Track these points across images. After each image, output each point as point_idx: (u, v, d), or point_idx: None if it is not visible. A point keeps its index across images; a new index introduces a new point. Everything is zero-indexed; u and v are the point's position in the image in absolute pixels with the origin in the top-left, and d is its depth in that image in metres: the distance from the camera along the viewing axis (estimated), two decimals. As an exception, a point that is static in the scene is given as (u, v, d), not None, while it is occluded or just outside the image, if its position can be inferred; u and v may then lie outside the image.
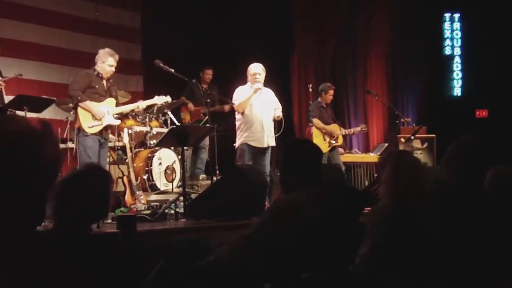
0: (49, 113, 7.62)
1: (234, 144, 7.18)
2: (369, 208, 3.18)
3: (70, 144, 7.45)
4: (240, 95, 7.14)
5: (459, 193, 3.09)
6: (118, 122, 6.81)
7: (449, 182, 3.17)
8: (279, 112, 7.27)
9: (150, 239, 4.66)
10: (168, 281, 2.63)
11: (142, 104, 7.02)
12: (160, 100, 7.15)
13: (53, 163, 1.75)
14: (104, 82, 6.65)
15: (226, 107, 8.42)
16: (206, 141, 8.48)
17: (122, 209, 6.41)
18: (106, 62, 6.59)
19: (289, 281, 2.58)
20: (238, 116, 7.18)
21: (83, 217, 2.50)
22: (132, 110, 7.24)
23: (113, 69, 6.66)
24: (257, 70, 7.18)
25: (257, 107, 7.12)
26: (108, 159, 7.17)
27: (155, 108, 8.04)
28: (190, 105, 8.98)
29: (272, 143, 7.18)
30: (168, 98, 7.17)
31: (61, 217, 2.48)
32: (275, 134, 7.24)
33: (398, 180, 3.04)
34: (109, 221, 5.23)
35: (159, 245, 4.01)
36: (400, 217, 2.93)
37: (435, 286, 2.83)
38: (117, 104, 6.83)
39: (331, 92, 9.10)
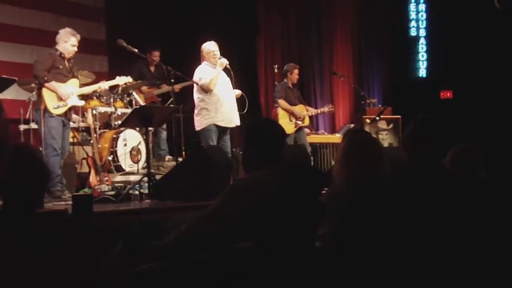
0: (10, 94, 7.48)
1: (198, 127, 7.03)
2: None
3: (33, 125, 7.33)
4: (206, 73, 6.97)
5: (417, 172, 3.10)
6: (82, 103, 6.74)
7: (408, 161, 3.18)
8: (238, 91, 7.24)
9: (113, 220, 4.62)
10: (123, 261, 2.60)
11: (104, 85, 6.93)
12: (121, 80, 7.10)
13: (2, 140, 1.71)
14: (66, 62, 6.54)
15: (177, 87, 8.18)
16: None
17: (86, 189, 6.34)
18: (69, 42, 6.48)
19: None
20: (202, 96, 6.98)
21: (20, 196, 2.44)
22: (95, 91, 7.14)
23: (75, 48, 6.55)
24: (213, 47, 7.07)
25: (222, 86, 7.04)
26: (72, 140, 7.09)
27: (120, 88, 7.95)
28: (143, 87, 8.82)
29: (238, 122, 7.14)
30: (129, 79, 7.13)
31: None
32: (247, 111, 7.21)
33: (349, 160, 3.04)
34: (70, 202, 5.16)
35: (122, 226, 3.99)
36: (354, 197, 2.93)
37: (393, 265, 2.85)
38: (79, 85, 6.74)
39: (296, 71, 9.08)
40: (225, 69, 7.06)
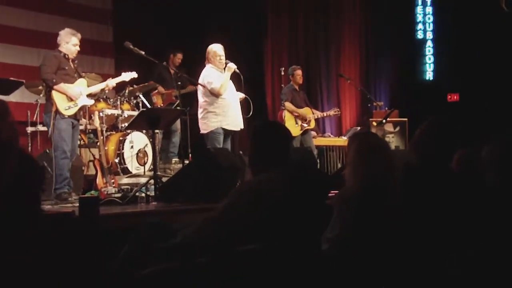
0: (18, 96, 7.51)
1: (204, 130, 7.02)
2: (336, 191, 3.17)
3: (41, 127, 7.35)
4: (215, 77, 6.97)
5: (426, 174, 3.10)
6: (92, 102, 6.72)
7: (417, 163, 3.18)
8: (241, 94, 7.25)
9: (120, 222, 4.61)
10: (130, 264, 2.60)
11: (111, 82, 6.90)
12: (127, 76, 7.05)
13: (10, 142, 1.71)
14: (71, 63, 6.55)
15: (190, 88, 8.21)
16: (178, 124, 8.42)
17: (93, 192, 6.35)
18: (70, 42, 6.48)
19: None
20: (209, 100, 6.98)
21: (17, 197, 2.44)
22: (103, 90, 7.11)
23: (77, 48, 6.55)
24: (221, 51, 7.07)
25: (229, 90, 7.06)
26: (79, 142, 7.10)
27: (127, 91, 7.99)
28: (160, 89, 8.90)
29: (242, 125, 7.16)
30: (134, 74, 7.06)
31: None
32: (244, 116, 7.21)
33: (361, 163, 3.03)
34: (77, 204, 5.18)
35: (128, 228, 3.99)
36: (366, 200, 2.93)
37: (402, 268, 2.84)
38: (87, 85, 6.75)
39: (299, 72, 9.09)
40: (234, 74, 7.07)
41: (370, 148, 3.09)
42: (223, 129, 6.97)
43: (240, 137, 7.53)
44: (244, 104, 7.28)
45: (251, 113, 7.18)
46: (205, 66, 7.12)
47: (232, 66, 6.97)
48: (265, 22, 11.59)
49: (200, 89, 7.08)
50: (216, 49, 7.08)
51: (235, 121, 7.03)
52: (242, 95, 7.23)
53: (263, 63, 11.55)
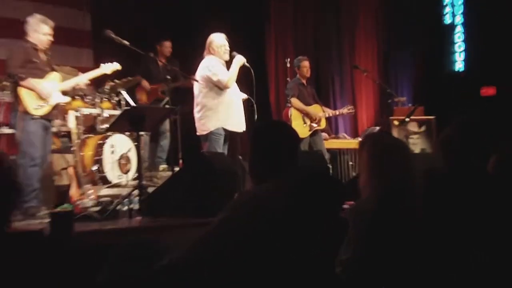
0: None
1: (203, 131, 7.04)
2: (352, 202, 3.14)
3: (6, 130, 7.31)
4: (219, 69, 7.01)
5: (456, 181, 3.06)
6: (67, 99, 6.72)
7: (444, 168, 3.15)
8: (243, 95, 7.26)
9: (98, 241, 4.61)
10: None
11: (86, 76, 6.88)
12: (107, 68, 7.02)
13: None
14: (42, 54, 6.51)
15: (192, 82, 8.21)
16: (167, 125, 8.41)
17: (66, 205, 6.30)
18: (40, 31, 6.47)
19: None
20: (212, 95, 7.00)
21: None
22: (77, 88, 7.07)
23: (49, 37, 6.53)
24: (224, 41, 7.15)
25: (234, 86, 7.11)
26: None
27: (108, 86, 7.96)
28: (145, 83, 8.88)
29: (245, 126, 7.16)
30: (117, 65, 7.05)
31: None
32: (253, 118, 7.21)
33: (375, 169, 3.01)
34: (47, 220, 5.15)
35: (109, 247, 3.96)
36: (382, 213, 2.89)
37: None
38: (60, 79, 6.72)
39: (306, 64, 9.10)
40: (243, 68, 7.08)
41: (385, 150, 3.07)
42: (225, 130, 6.96)
43: (241, 139, 7.51)
44: (245, 106, 7.28)
45: (256, 117, 7.15)
46: (203, 58, 7.14)
47: (242, 59, 7.01)
48: (267, 4, 11.57)
49: (197, 84, 7.06)
50: (220, 38, 7.14)
51: (238, 122, 7.08)
52: (244, 96, 7.24)
53: (264, 53, 11.53)
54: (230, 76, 6.95)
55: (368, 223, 2.89)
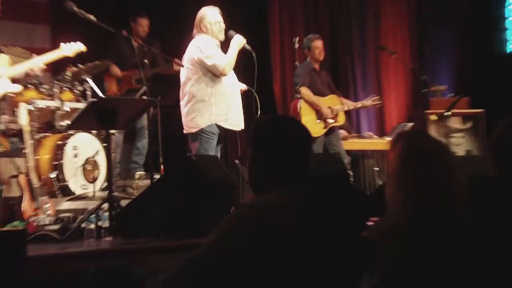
0: None
1: (192, 128, 7.07)
2: (377, 219, 3.15)
3: None
4: (216, 50, 7.06)
5: (509, 189, 3.07)
6: (18, 88, 6.73)
7: (496, 175, 3.16)
8: (243, 85, 7.28)
9: (58, 268, 4.61)
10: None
11: (42, 59, 6.89)
12: (69, 49, 7.05)
13: None
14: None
15: (177, 67, 8.26)
16: (144, 121, 8.43)
17: (16, 223, 6.32)
18: None
19: None
20: (205, 83, 7.06)
21: None
22: (32, 70, 7.07)
23: None
24: (219, 16, 7.17)
25: (231, 75, 7.13)
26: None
27: (69, 73, 7.95)
28: (114, 69, 8.88)
29: (243, 124, 7.18)
30: (81, 46, 7.08)
31: None
32: (254, 113, 7.25)
33: (408, 176, 3.01)
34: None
35: (70, 276, 3.97)
36: (416, 231, 2.90)
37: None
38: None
39: (318, 44, 9.15)
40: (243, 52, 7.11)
41: (420, 153, 3.07)
42: (219, 127, 6.98)
43: (239, 140, 7.54)
44: (244, 98, 7.31)
45: (258, 112, 7.18)
46: (193, 37, 7.19)
47: (242, 40, 7.04)
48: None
49: (185, 70, 7.08)
50: (213, 13, 7.17)
51: (236, 118, 7.11)
52: (243, 86, 7.25)
53: (267, 31, 11.54)
54: (228, 61, 6.98)
55: (399, 245, 2.89)
